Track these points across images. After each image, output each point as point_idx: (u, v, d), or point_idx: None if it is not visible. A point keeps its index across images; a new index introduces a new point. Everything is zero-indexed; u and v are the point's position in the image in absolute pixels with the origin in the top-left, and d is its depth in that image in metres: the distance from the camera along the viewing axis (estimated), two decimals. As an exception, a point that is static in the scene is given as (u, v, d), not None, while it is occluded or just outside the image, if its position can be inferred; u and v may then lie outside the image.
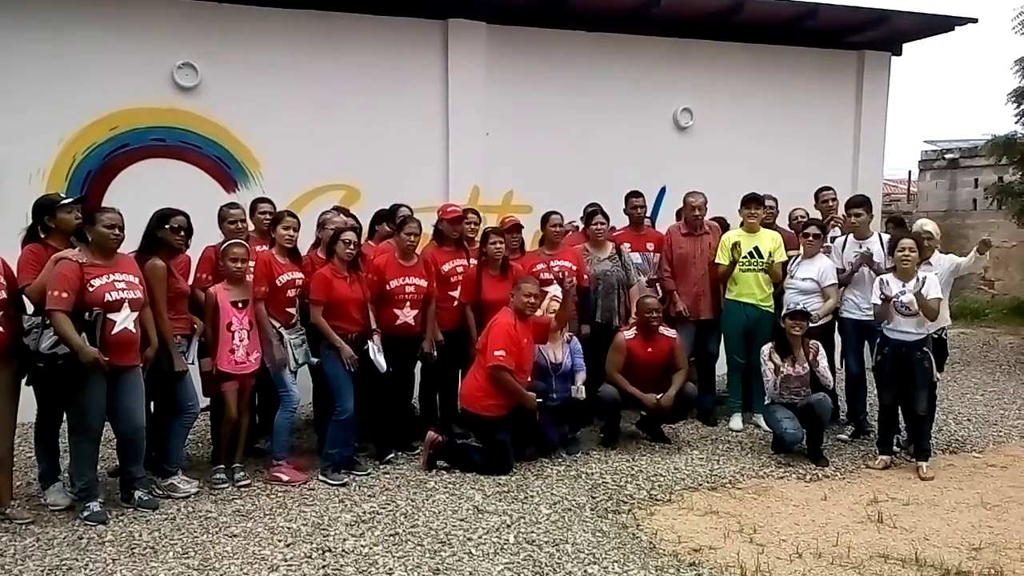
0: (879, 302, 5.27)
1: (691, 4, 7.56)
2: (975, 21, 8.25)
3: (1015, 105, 10.39)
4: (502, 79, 7.41)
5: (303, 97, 6.90)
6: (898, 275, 5.31)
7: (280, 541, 4.11)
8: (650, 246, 6.54)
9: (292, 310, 5.05)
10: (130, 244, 4.66)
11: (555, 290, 5.70)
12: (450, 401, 5.86)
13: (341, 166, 6.97)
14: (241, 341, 4.85)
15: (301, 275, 5.09)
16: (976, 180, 14.43)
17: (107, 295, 4.20)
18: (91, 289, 4.17)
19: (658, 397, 5.66)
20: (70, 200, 4.52)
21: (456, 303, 5.68)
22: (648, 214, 7.05)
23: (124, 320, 4.25)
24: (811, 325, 5.72)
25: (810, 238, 6.02)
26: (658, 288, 6.53)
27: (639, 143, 7.91)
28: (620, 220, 6.64)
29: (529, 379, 5.40)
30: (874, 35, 8.43)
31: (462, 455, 5.26)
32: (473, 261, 5.76)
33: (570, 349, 5.76)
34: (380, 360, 5.10)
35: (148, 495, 4.57)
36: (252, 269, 5.00)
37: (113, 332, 4.22)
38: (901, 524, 4.44)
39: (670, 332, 5.84)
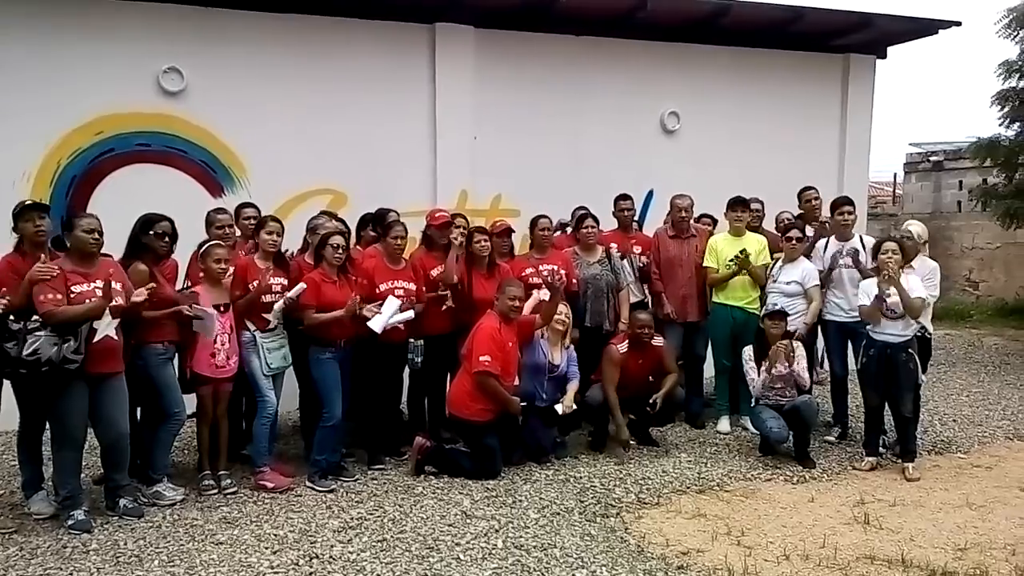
0: (867, 302, 5.28)
1: (678, 8, 7.59)
2: (959, 24, 8.31)
3: (999, 107, 10.50)
4: (490, 83, 7.41)
5: (290, 102, 6.87)
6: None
7: (267, 548, 4.09)
8: (637, 249, 6.56)
9: (268, 316, 5.00)
10: (115, 251, 4.64)
11: (543, 295, 5.70)
12: (438, 406, 5.84)
13: (328, 170, 6.94)
14: (222, 345, 4.82)
15: (283, 280, 5.06)
16: (961, 182, 14.56)
17: (88, 302, 4.17)
18: (72, 296, 4.14)
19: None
20: (27, 205, 4.37)
21: (444, 307, 5.67)
22: (636, 217, 7.07)
23: (106, 327, 4.22)
24: (800, 331, 5.77)
25: (792, 242, 6.05)
26: (645, 290, 6.55)
27: (626, 146, 7.93)
28: (608, 223, 6.65)
29: (516, 382, 5.40)
30: (859, 38, 8.48)
31: (450, 460, 5.25)
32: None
33: (567, 355, 5.76)
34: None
35: (133, 503, 4.54)
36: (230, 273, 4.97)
37: (95, 340, 4.18)
38: (887, 525, 4.46)
39: (658, 341, 5.85)
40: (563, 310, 5.70)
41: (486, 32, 7.36)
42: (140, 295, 4.32)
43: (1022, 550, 4.14)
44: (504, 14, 7.33)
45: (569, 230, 6.62)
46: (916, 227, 5.92)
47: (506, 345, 5.25)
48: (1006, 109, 10.44)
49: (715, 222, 6.96)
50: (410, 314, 5.27)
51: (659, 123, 8.11)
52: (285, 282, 5.05)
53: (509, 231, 6.10)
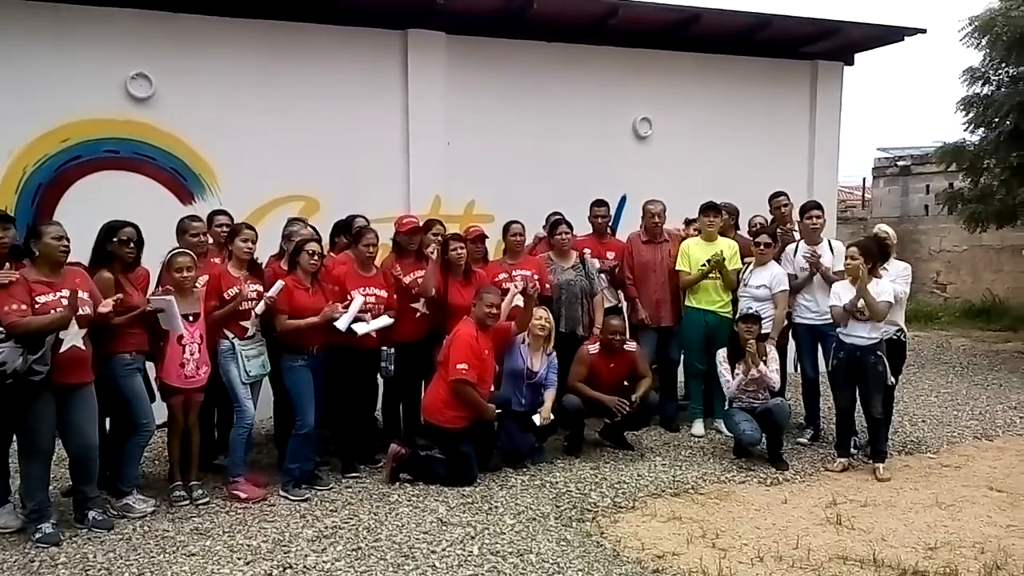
0: (838, 304, 5.34)
1: (648, 15, 7.65)
2: (924, 32, 8.46)
3: (964, 113, 10.67)
4: (462, 89, 7.42)
5: (261, 108, 6.82)
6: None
7: (240, 559, 4.03)
8: (611, 254, 6.58)
9: (246, 323, 4.95)
10: (82, 259, 4.57)
11: (517, 300, 5.70)
12: (413, 413, 5.82)
13: (300, 177, 6.90)
14: (191, 355, 4.75)
15: (259, 287, 5.01)
16: (928, 186, 14.82)
17: (53, 312, 4.09)
18: (37, 306, 4.07)
19: (621, 400, 5.67)
20: None
21: (418, 314, 5.65)
22: (609, 223, 7.09)
23: (72, 337, 4.14)
24: (767, 335, 5.83)
25: (761, 247, 6.11)
26: (619, 294, 6.58)
27: (599, 152, 7.97)
28: (581, 229, 6.67)
29: (492, 388, 5.39)
30: (827, 45, 8.61)
31: (425, 467, 5.23)
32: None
33: (548, 362, 5.76)
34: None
35: (103, 515, 4.46)
36: (205, 282, 4.93)
37: (61, 351, 4.11)
38: (859, 525, 4.52)
39: (631, 346, 5.88)
40: (543, 315, 5.71)
41: (458, 38, 7.37)
42: (107, 306, 4.25)
43: (991, 548, 4.21)
44: (476, 21, 7.34)
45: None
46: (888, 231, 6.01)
47: (483, 353, 5.24)
48: (970, 115, 10.60)
49: (699, 231, 6.95)
50: (387, 320, 5.24)
51: (631, 129, 8.16)
52: (261, 289, 5.01)
53: (483, 237, 6.10)
